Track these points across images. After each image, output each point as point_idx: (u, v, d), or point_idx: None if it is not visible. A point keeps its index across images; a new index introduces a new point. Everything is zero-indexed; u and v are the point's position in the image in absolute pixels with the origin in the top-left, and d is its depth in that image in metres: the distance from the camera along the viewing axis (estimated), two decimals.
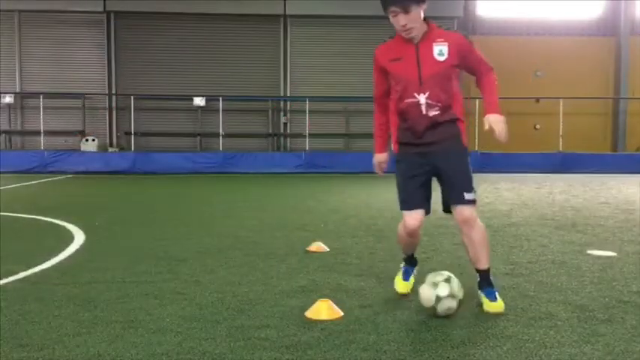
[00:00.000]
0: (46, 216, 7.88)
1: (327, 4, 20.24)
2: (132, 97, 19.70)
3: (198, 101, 19.78)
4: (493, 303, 3.62)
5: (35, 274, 4.62)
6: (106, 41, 20.46)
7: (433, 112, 3.61)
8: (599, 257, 5.29)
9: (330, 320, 3.44)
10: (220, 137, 19.57)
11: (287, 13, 20.40)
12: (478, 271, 3.77)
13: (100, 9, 20.04)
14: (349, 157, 18.49)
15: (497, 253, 5.49)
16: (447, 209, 3.81)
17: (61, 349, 2.99)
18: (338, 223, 7.42)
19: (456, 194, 3.70)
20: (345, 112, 20.63)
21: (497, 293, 3.67)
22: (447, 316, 3.52)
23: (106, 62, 20.51)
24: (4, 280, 4.39)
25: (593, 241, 6.11)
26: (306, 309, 3.60)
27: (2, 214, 8.14)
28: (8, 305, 3.75)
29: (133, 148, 19.32)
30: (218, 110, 19.64)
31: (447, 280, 3.53)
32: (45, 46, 20.40)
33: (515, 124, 21.23)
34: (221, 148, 19.32)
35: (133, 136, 19.52)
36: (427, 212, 3.86)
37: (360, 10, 20.28)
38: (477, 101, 20.13)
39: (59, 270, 4.76)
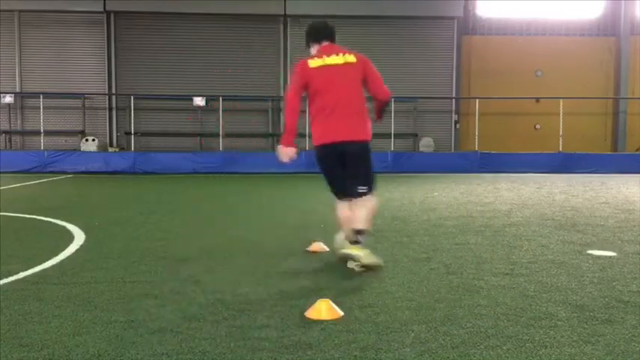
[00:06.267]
0: (46, 216, 7.88)
1: (327, 4, 20.23)
2: (132, 97, 19.70)
3: (198, 101, 19.78)
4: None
5: (35, 274, 4.62)
6: (106, 41, 20.46)
7: None
8: (599, 257, 5.29)
9: (330, 320, 3.44)
10: (220, 137, 19.57)
11: (287, 13, 20.40)
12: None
13: (100, 9, 20.04)
14: None
15: (497, 253, 5.50)
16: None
17: (61, 349, 2.99)
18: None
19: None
20: None
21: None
22: (448, 318, 3.52)
23: (106, 62, 20.51)
24: (4, 280, 4.39)
25: (593, 241, 6.11)
26: (306, 309, 3.60)
27: (2, 214, 8.14)
28: (8, 305, 3.75)
29: (133, 148, 19.32)
30: (218, 110, 19.64)
31: None
32: (45, 46, 20.40)
33: (516, 124, 21.43)
34: (221, 148, 19.32)
35: (132, 136, 19.53)
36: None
37: (360, 10, 20.29)
38: (477, 101, 20.14)
39: (59, 270, 4.76)
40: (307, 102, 4.94)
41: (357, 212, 4.76)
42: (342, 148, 4.72)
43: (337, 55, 4.83)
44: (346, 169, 4.78)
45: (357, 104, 4.76)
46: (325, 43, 4.96)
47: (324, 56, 4.84)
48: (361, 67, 4.81)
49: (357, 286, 4.27)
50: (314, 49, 5.00)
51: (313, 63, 4.82)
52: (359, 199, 4.77)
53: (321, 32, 5.01)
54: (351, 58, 4.82)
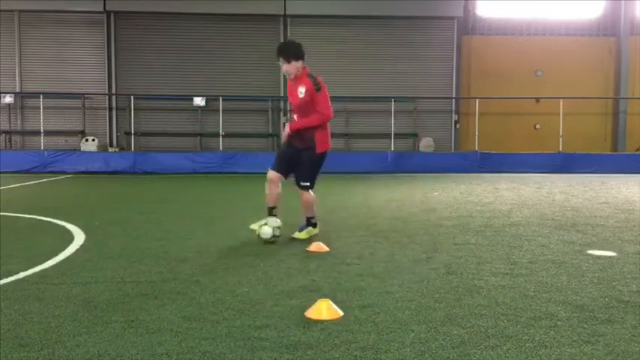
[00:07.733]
0: (46, 216, 7.88)
1: (327, 4, 20.23)
2: (132, 97, 19.70)
3: (198, 101, 19.78)
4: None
5: (35, 274, 4.62)
6: (106, 41, 20.45)
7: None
8: (599, 257, 5.29)
9: (330, 320, 3.44)
10: (220, 137, 19.57)
11: (287, 13, 20.38)
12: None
13: (100, 9, 20.03)
14: (349, 157, 18.48)
15: (497, 253, 5.50)
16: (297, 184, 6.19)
17: (61, 349, 3.00)
18: (338, 223, 7.42)
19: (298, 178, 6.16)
20: (345, 112, 20.61)
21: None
22: (448, 318, 3.53)
23: (106, 62, 20.49)
24: (4, 280, 4.39)
25: (593, 241, 6.12)
26: (306, 309, 3.60)
27: (2, 214, 8.15)
28: (8, 305, 3.75)
29: (133, 148, 19.32)
30: (218, 110, 19.64)
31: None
32: (45, 46, 20.38)
33: (515, 124, 21.44)
34: (221, 148, 19.31)
35: (132, 136, 19.53)
36: (284, 177, 6.16)
37: (360, 10, 20.28)
38: (477, 101, 20.14)
39: (59, 270, 4.76)
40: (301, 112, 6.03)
41: None
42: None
43: None
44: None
45: None
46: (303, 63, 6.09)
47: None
48: None
49: (357, 286, 4.27)
50: (297, 66, 6.03)
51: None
52: None
53: (304, 54, 6.10)
54: None
